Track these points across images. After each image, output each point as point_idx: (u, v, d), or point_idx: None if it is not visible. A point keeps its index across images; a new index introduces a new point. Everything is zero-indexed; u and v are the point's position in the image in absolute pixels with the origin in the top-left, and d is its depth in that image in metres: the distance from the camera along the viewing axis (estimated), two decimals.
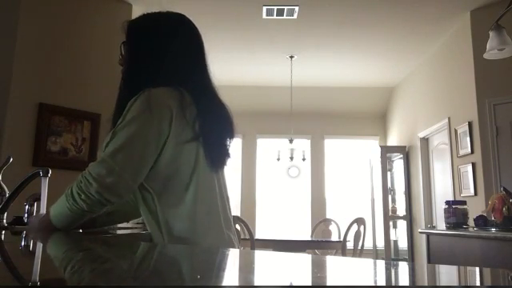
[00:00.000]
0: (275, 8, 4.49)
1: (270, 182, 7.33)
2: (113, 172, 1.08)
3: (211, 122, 1.25)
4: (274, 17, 4.66)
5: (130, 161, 1.11)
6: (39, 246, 0.96)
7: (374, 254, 6.60)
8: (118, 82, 1.33)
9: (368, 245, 5.47)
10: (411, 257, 6.05)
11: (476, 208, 3.67)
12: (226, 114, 1.33)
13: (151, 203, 1.19)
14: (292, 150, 5.90)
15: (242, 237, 4.40)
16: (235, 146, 1.43)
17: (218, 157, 1.28)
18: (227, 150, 1.32)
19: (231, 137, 1.33)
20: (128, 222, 1.55)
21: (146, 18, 1.34)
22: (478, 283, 0.57)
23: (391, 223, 6.39)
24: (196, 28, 1.36)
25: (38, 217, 1.28)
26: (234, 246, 1.26)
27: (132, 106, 1.15)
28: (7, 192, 1.61)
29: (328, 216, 6.70)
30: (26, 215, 1.63)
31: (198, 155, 1.21)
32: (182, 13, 1.37)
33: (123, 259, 0.75)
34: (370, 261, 0.69)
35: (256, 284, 0.48)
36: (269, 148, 7.22)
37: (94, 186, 1.08)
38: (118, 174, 1.09)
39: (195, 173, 1.19)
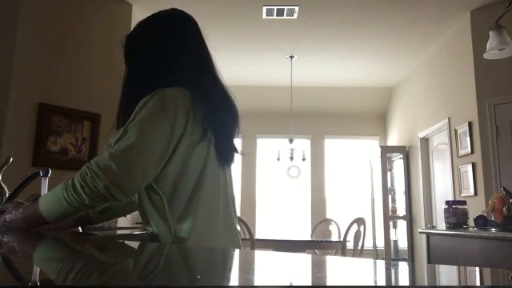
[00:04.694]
0: (275, 8, 4.49)
1: (270, 182, 7.33)
2: (123, 168, 1.05)
3: (220, 119, 1.25)
4: (274, 17, 4.66)
5: (141, 160, 1.08)
6: (28, 244, 0.95)
7: (374, 254, 6.60)
8: (119, 82, 1.32)
9: (368, 245, 5.47)
10: (411, 257, 6.05)
11: (476, 208, 3.67)
12: (234, 112, 1.34)
13: (159, 204, 1.18)
14: (292, 150, 5.90)
15: (242, 237, 4.39)
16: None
17: (227, 153, 1.29)
18: (234, 145, 1.33)
19: (237, 134, 1.34)
20: (125, 216, 1.54)
21: (156, 17, 1.33)
22: (478, 283, 0.57)
23: (391, 223, 6.39)
24: (197, 24, 1.36)
25: (18, 207, 1.19)
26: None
27: (146, 105, 1.13)
28: (7, 192, 1.61)
29: (328, 216, 6.70)
30: None
31: (208, 154, 1.20)
32: None
33: (124, 260, 0.75)
34: (370, 261, 0.69)
35: (256, 284, 0.48)
36: (269, 148, 7.22)
37: (102, 179, 1.03)
38: (127, 171, 1.05)
39: (204, 173, 1.19)
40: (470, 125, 4.43)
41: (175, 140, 1.15)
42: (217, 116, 1.24)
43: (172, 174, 1.17)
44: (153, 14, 1.34)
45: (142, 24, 1.34)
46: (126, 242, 1.06)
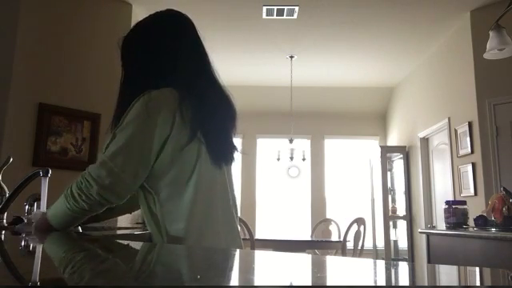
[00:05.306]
0: (275, 8, 4.49)
1: (270, 182, 7.33)
2: (112, 174, 1.10)
3: (215, 120, 1.26)
4: (274, 17, 4.66)
5: (129, 162, 1.12)
6: (38, 246, 0.96)
7: (374, 254, 6.60)
8: (118, 83, 1.32)
9: (368, 245, 5.47)
10: (411, 257, 6.05)
11: (476, 208, 3.67)
12: (231, 112, 1.34)
13: (152, 203, 1.20)
14: (292, 150, 5.90)
15: (242, 237, 4.38)
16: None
17: (222, 152, 1.29)
18: (232, 144, 1.33)
19: (234, 133, 1.34)
20: (130, 213, 1.55)
21: (153, 18, 1.34)
22: (478, 283, 0.57)
23: (391, 223, 6.39)
24: (193, 24, 1.36)
25: (38, 215, 1.28)
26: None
27: (131, 109, 1.16)
28: (7, 192, 1.61)
29: (328, 216, 6.70)
30: (26, 215, 1.63)
31: (199, 154, 1.21)
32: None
33: (123, 259, 0.75)
34: (370, 261, 0.69)
35: (256, 284, 0.48)
36: (269, 148, 7.22)
37: (94, 187, 1.10)
38: (117, 176, 1.11)
39: (195, 173, 1.19)
40: (470, 125, 4.43)
41: (161, 141, 1.16)
42: (210, 116, 1.24)
43: (162, 174, 1.18)
44: (149, 15, 1.35)
45: (139, 25, 1.34)
46: (125, 241, 1.07)
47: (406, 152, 6.34)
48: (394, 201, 6.52)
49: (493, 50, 3.00)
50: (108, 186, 1.10)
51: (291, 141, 5.91)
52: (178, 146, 1.18)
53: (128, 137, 1.14)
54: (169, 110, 1.17)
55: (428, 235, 3.14)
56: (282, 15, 4.63)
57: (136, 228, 1.89)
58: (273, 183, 7.33)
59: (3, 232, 1.33)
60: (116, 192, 1.12)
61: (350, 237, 4.51)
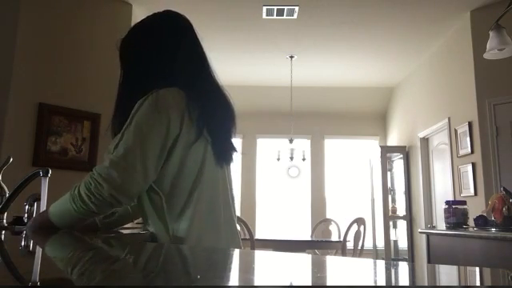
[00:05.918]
0: (275, 8, 4.49)
1: (270, 182, 7.33)
2: (124, 173, 1.08)
3: (216, 119, 1.26)
4: (274, 17, 4.66)
5: (141, 162, 1.11)
6: (37, 245, 0.96)
7: (374, 254, 6.60)
8: (118, 83, 1.33)
9: (368, 245, 5.47)
10: (411, 257, 6.05)
11: (476, 208, 3.67)
12: (230, 111, 1.34)
13: (159, 204, 1.19)
14: (292, 150, 5.90)
15: (242, 237, 4.39)
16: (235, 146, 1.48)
17: (224, 151, 1.29)
18: (232, 144, 1.33)
19: (234, 133, 1.35)
20: (133, 221, 1.54)
21: (151, 19, 1.34)
22: (477, 283, 0.57)
23: (391, 223, 6.39)
24: (191, 24, 1.37)
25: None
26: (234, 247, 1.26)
27: (140, 108, 1.15)
28: (7, 192, 1.61)
29: (328, 216, 6.70)
30: (25, 215, 1.63)
31: (205, 153, 1.21)
32: (182, 13, 1.38)
33: (124, 259, 0.75)
34: (370, 261, 0.69)
35: (256, 284, 0.48)
36: (269, 148, 7.22)
37: (105, 187, 1.07)
38: (129, 175, 1.09)
39: (201, 172, 1.20)
40: (470, 125, 4.43)
41: (171, 139, 1.16)
42: (212, 116, 1.24)
43: (170, 173, 1.18)
44: (147, 17, 1.35)
45: (137, 27, 1.35)
46: (126, 241, 1.07)
47: (406, 152, 6.34)
48: (394, 201, 6.52)
49: (493, 50, 3.00)
50: (120, 187, 1.08)
51: (291, 141, 5.91)
52: (186, 145, 1.18)
53: (139, 136, 1.12)
54: (178, 108, 1.17)
55: (428, 235, 3.14)
56: (282, 15, 4.63)
57: (136, 228, 1.89)
58: (273, 183, 7.33)
59: (3, 232, 1.33)
60: (127, 192, 1.09)
61: (350, 237, 4.51)
